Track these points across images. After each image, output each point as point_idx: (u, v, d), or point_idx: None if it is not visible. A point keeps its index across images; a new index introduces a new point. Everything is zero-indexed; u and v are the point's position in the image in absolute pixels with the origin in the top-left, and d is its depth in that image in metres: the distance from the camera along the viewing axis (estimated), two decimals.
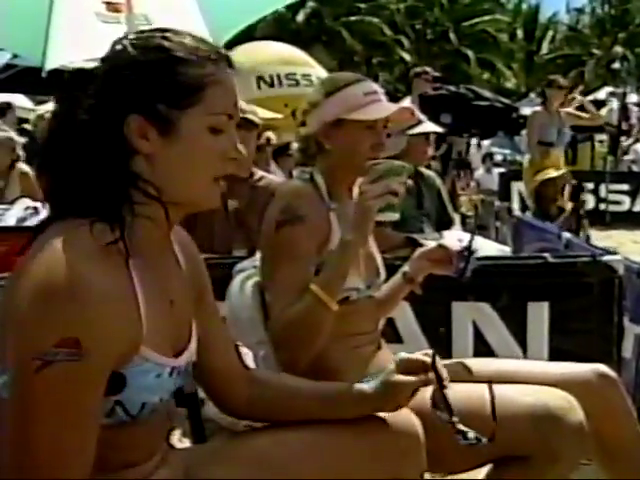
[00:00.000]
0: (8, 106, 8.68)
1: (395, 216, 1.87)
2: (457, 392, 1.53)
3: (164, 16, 2.83)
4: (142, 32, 1.28)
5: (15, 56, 9.44)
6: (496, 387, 1.54)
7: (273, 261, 1.90)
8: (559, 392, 1.79)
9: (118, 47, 1.25)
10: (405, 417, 1.50)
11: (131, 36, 1.27)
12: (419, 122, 3.72)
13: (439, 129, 4.19)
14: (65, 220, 1.20)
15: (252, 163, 3.60)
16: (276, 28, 23.83)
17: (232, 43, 3.37)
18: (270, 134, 4.86)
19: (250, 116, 3.71)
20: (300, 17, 28.12)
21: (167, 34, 1.26)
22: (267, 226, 1.93)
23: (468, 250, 2.05)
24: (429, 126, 3.80)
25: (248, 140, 3.65)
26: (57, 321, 1.11)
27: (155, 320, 1.23)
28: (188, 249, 1.44)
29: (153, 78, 1.22)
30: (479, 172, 10.61)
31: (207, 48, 1.27)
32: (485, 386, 1.54)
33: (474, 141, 10.96)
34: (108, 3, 2.81)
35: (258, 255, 2.03)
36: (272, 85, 6.78)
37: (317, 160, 2.00)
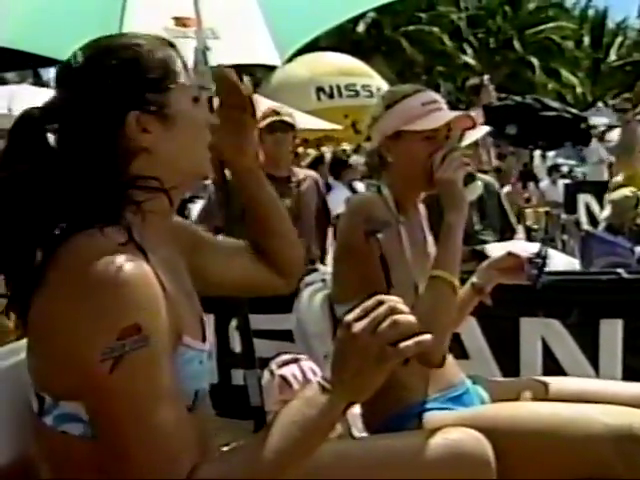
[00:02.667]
0: None
1: (478, 184, 1.89)
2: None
3: (230, 30, 2.86)
4: (88, 44, 1.28)
5: None
6: (577, 406, 1.51)
7: (374, 268, 1.85)
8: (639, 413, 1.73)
9: (76, 65, 1.25)
10: (476, 441, 1.50)
11: (81, 53, 1.26)
12: (475, 128, 3.65)
13: (486, 128, 4.12)
14: (75, 234, 1.17)
15: (290, 163, 3.68)
16: (336, 39, 23.93)
17: (292, 54, 3.38)
18: (325, 149, 4.93)
19: (286, 118, 3.73)
20: (360, 28, 28.19)
21: (116, 36, 1.31)
22: (351, 239, 1.90)
23: (540, 255, 2.01)
24: (476, 134, 3.73)
25: (284, 141, 3.70)
26: (112, 312, 1.08)
27: (184, 309, 1.24)
28: (175, 229, 1.43)
29: (131, 73, 1.23)
30: (544, 183, 10.41)
31: (154, 36, 1.31)
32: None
33: (537, 152, 10.76)
34: (177, 18, 2.84)
35: (326, 268, 2.01)
36: (332, 96, 6.80)
37: (383, 174, 2.00)
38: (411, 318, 1.11)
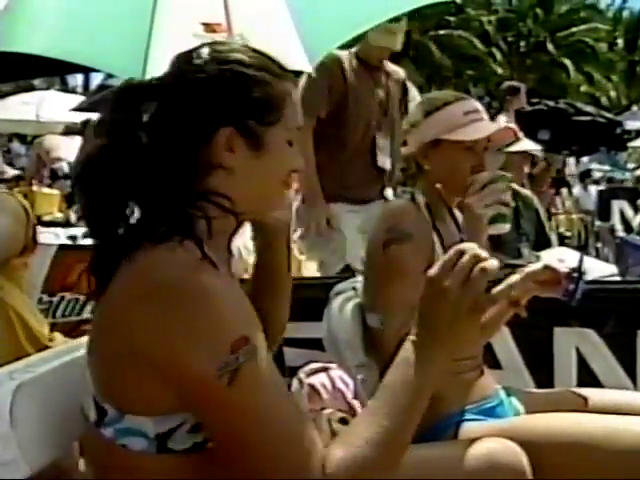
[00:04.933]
0: (89, 123, 8.92)
1: (506, 227, 1.85)
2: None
3: (260, 35, 2.84)
4: (215, 45, 1.28)
5: (109, 77, 9.75)
6: (619, 418, 1.53)
7: (383, 281, 1.88)
8: None
9: (197, 61, 1.24)
10: (512, 451, 1.52)
11: (207, 50, 1.26)
12: (517, 139, 3.64)
13: (538, 147, 4.09)
14: (154, 246, 1.17)
15: None
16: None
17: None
18: None
19: None
20: None
21: (241, 50, 1.28)
22: (373, 246, 1.92)
23: (579, 271, 1.95)
24: (528, 144, 3.71)
25: None
26: (222, 328, 1.09)
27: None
28: None
29: (244, 93, 1.23)
30: (577, 190, 10.29)
31: (278, 65, 1.29)
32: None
33: (571, 158, 10.66)
34: (206, 24, 2.83)
35: (358, 277, 2.00)
36: None
37: (418, 180, 1.98)
38: (495, 263, 1.13)
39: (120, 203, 1.21)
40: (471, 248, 1.14)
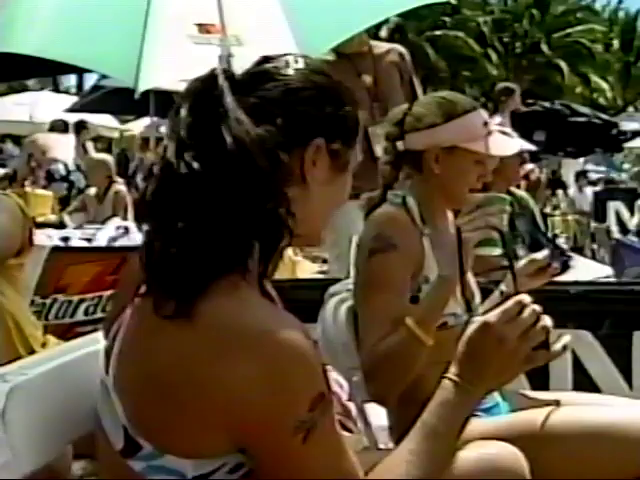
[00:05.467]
0: (83, 124, 8.86)
1: (496, 251, 1.81)
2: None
3: (255, 37, 2.84)
4: (305, 58, 1.22)
5: (102, 77, 9.71)
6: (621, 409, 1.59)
7: (366, 289, 1.87)
8: None
9: (297, 66, 1.17)
10: (513, 456, 1.52)
11: (301, 59, 1.19)
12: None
13: (532, 147, 4.08)
14: (217, 280, 1.07)
15: None
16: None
17: None
18: None
19: None
20: (383, 33, 28.06)
21: (324, 66, 1.25)
22: (360, 252, 1.90)
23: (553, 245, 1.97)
24: (523, 145, 3.69)
25: None
26: (302, 385, 1.05)
27: None
28: None
29: (339, 108, 1.18)
30: (573, 191, 10.28)
31: (354, 91, 1.25)
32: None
33: (567, 159, 10.64)
34: (200, 25, 2.83)
35: (351, 279, 1.99)
36: None
37: (414, 180, 1.95)
38: (551, 321, 1.16)
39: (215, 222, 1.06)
40: (530, 302, 1.16)
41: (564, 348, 1.16)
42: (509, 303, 1.16)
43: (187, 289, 1.06)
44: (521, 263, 2.08)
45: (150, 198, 1.10)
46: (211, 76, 1.13)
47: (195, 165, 1.06)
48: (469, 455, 1.52)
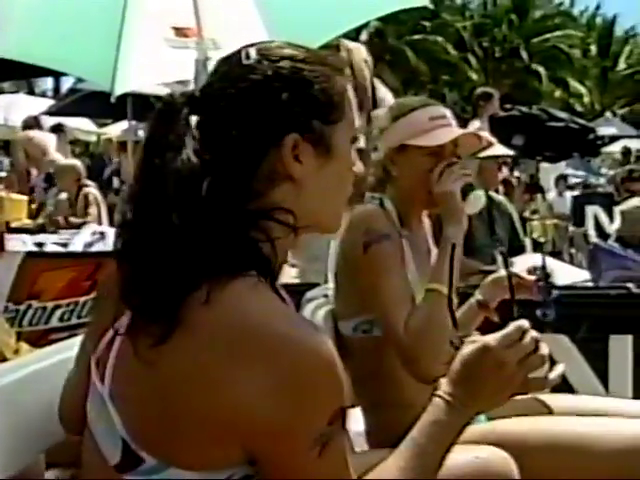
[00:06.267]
0: (60, 128, 8.78)
1: (479, 194, 1.87)
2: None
3: (232, 40, 2.82)
4: (260, 45, 1.15)
5: (79, 81, 9.64)
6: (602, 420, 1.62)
7: (371, 282, 1.85)
8: None
9: (247, 62, 1.11)
10: (503, 460, 1.54)
11: (253, 50, 1.12)
12: (490, 145, 3.63)
13: (510, 152, 4.10)
14: (230, 280, 1.03)
15: None
16: None
17: None
18: None
19: None
20: (363, 37, 28.11)
21: (289, 46, 1.15)
22: (351, 252, 1.89)
23: (545, 274, 1.99)
24: (500, 149, 3.71)
25: None
26: (324, 399, 1.01)
27: None
28: None
29: (304, 91, 1.11)
30: (551, 195, 10.34)
31: (334, 58, 1.18)
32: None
33: (546, 163, 10.71)
34: (177, 28, 2.81)
35: (328, 284, 1.98)
36: None
37: (387, 186, 1.97)
38: (547, 350, 1.16)
39: (177, 233, 1.03)
40: (530, 329, 1.15)
41: (559, 377, 1.17)
42: (510, 328, 1.15)
43: (170, 298, 1.02)
44: (502, 274, 2.09)
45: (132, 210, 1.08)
46: (172, 97, 1.11)
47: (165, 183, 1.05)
48: (460, 459, 1.51)
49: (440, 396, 1.16)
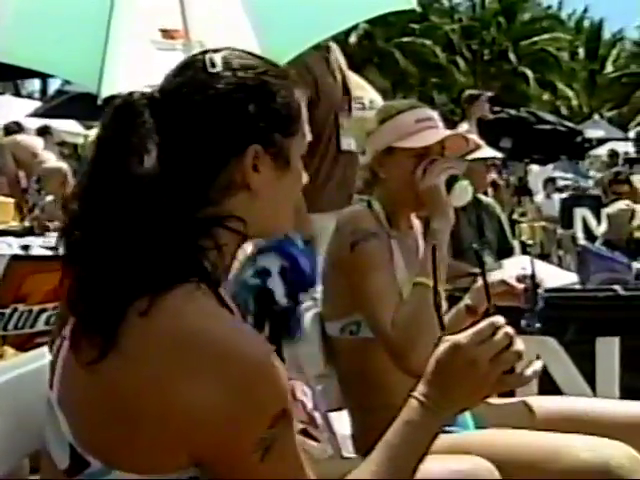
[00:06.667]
0: (47, 130, 8.73)
1: (465, 183, 1.87)
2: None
3: (219, 42, 2.81)
4: (223, 52, 1.13)
5: (66, 82, 9.60)
6: (563, 437, 1.60)
7: (358, 280, 1.86)
8: (624, 448, 1.69)
9: (212, 70, 1.10)
10: (488, 472, 1.52)
11: (217, 57, 1.11)
12: (478, 147, 3.64)
13: (498, 154, 4.12)
14: (170, 289, 1.03)
15: None
16: None
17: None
18: None
19: None
20: (352, 39, 28.14)
21: (249, 55, 1.15)
22: (338, 252, 1.91)
23: (533, 284, 1.97)
24: (488, 152, 3.72)
25: None
26: (265, 402, 1.01)
27: None
28: None
29: (267, 102, 1.11)
30: (539, 198, 10.36)
31: (293, 71, 1.19)
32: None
33: (535, 166, 10.75)
34: (164, 30, 2.80)
35: (316, 287, 1.98)
36: None
37: (375, 189, 1.98)
38: (522, 345, 1.11)
39: (124, 239, 1.03)
40: (504, 324, 1.12)
41: (535, 374, 1.13)
42: (482, 324, 1.11)
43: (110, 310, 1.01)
44: (491, 280, 2.09)
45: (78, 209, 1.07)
46: (131, 96, 1.09)
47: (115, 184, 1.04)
48: (444, 470, 1.52)
49: (414, 397, 1.14)
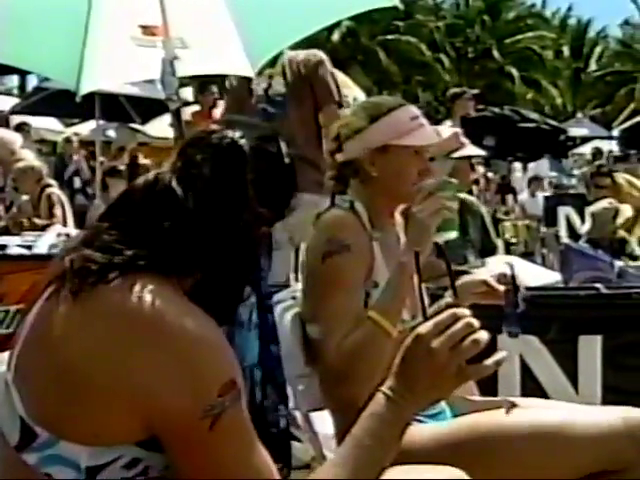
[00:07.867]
0: (24, 127, 8.66)
1: (453, 234, 1.84)
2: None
3: (200, 39, 2.79)
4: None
5: (45, 79, 9.53)
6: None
7: (323, 293, 1.86)
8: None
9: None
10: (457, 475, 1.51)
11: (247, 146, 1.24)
12: (462, 145, 3.64)
13: (482, 152, 4.12)
14: (141, 274, 1.11)
15: None
16: (311, 48, 23.89)
17: (265, 64, 3.31)
18: None
19: None
20: (335, 36, 28.08)
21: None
22: (311, 257, 1.90)
23: (514, 287, 1.96)
24: (472, 149, 3.72)
25: None
26: (212, 371, 1.07)
27: None
28: None
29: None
30: (523, 196, 10.38)
31: None
32: None
33: (518, 164, 10.76)
34: (144, 27, 2.77)
35: (297, 286, 1.97)
36: None
37: (356, 188, 1.95)
38: (486, 335, 1.11)
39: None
40: (465, 314, 1.12)
41: (497, 364, 1.12)
42: (443, 315, 1.12)
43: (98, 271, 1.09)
44: (472, 278, 2.08)
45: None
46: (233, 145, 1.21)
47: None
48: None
49: (381, 390, 1.16)
